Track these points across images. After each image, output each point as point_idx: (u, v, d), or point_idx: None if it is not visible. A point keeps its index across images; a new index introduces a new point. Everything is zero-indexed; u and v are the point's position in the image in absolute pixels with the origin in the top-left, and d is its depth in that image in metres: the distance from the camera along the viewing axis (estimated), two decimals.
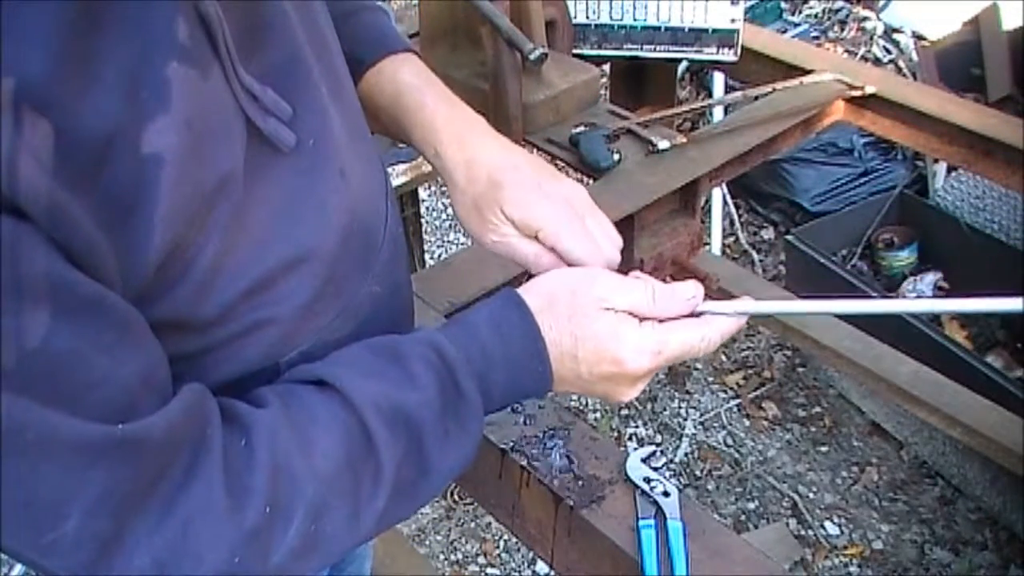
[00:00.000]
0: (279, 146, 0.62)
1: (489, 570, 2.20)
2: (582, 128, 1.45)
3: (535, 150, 1.48)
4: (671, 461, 2.40)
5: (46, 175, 0.47)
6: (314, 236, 0.66)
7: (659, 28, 1.72)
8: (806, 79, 1.62)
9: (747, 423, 2.50)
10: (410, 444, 0.65)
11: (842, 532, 2.22)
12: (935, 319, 2.50)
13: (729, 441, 2.46)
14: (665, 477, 0.87)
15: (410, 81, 0.84)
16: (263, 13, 0.62)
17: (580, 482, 0.88)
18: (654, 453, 0.89)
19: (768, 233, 3.09)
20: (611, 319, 0.68)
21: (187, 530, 0.56)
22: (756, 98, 1.61)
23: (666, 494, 0.85)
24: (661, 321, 0.69)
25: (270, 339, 0.66)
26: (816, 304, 0.72)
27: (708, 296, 0.72)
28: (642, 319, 0.69)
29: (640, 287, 0.70)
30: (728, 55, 1.71)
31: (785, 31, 3.19)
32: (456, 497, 2.33)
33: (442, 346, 0.67)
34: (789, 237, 2.58)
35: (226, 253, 0.59)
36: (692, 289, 0.71)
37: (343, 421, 0.63)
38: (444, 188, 3.43)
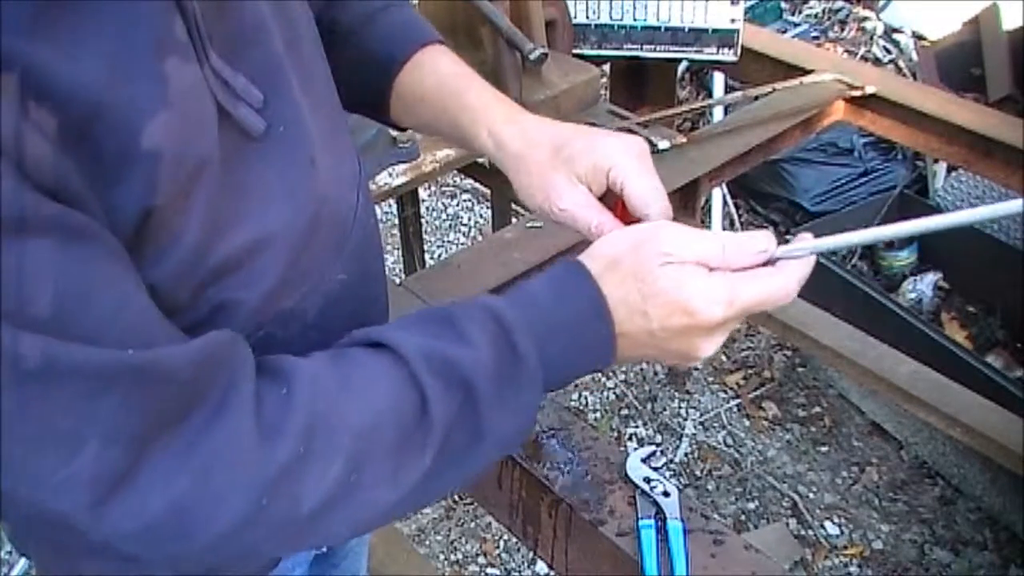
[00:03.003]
0: (249, 132, 0.62)
1: (489, 570, 2.20)
2: None
3: None
4: (671, 461, 2.40)
5: (51, 146, 0.48)
6: (281, 220, 0.66)
7: (659, 28, 1.72)
8: (806, 79, 1.62)
9: (747, 423, 2.50)
10: (464, 402, 0.63)
11: (842, 532, 2.22)
12: (935, 319, 2.50)
13: (729, 441, 2.45)
14: (665, 477, 0.87)
15: (451, 70, 0.85)
16: (234, 4, 0.63)
17: (580, 482, 0.88)
18: (654, 453, 0.89)
19: None
20: (677, 270, 0.65)
21: (210, 472, 0.54)
22: (756, 98, 1.61)
23: (666, 494, 0.85)
24: (734, 271, 0.66)
25: (233, 323, 0.66)
26: (880, 231, 0.66)
27: None
28: (711, 269, 0.66)
29: (709, 237, 0.67)
30: (728, 55, 1.71)
31: (785, 31, 3.19)
32: (456, 497, 2.33)
33: (498, 309, 0.65)
34: (789, 237, 2.57)
35: (202, 238, 0.59)
36: (764, 242, 0.67)
37: (392, 373, 0.62)
38: (444, 188, 3.45)
